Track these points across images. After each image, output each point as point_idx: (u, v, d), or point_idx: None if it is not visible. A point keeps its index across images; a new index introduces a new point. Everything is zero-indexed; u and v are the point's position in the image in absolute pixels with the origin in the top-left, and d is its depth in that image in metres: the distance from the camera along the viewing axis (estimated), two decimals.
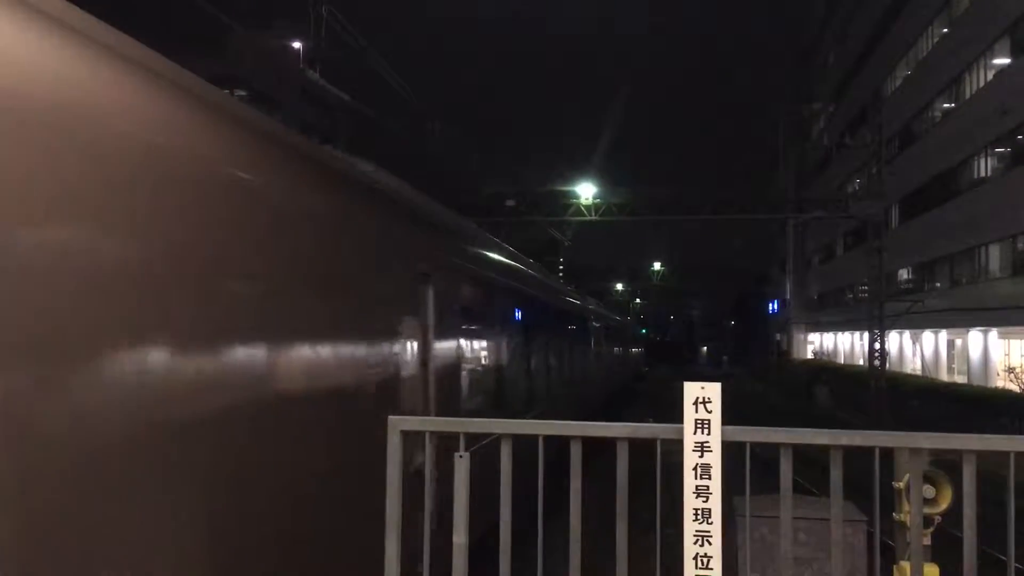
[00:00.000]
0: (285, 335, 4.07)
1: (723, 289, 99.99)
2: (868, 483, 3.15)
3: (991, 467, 3.18)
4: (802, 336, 67.40)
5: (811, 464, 10.77)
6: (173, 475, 3.18)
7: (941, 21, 37.03)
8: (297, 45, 41.35)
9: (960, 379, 34.02)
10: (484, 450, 3.54)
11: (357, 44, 15.98)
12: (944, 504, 5.34)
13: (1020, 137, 29.08)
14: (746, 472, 3.27)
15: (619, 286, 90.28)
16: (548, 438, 3.32)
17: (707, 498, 3.08)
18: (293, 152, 4.69)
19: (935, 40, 37.76)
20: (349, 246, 5.05)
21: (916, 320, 34.99)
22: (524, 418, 9.14)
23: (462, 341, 7.72)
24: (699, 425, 3.10)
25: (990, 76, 31.59)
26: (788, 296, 69.54)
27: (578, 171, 38.66)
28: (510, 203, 32.82)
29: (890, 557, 5.94)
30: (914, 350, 42.00)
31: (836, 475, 3.10)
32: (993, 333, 31.62)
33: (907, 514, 4.85)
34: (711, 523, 3.07)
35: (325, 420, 4.49)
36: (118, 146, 2.97)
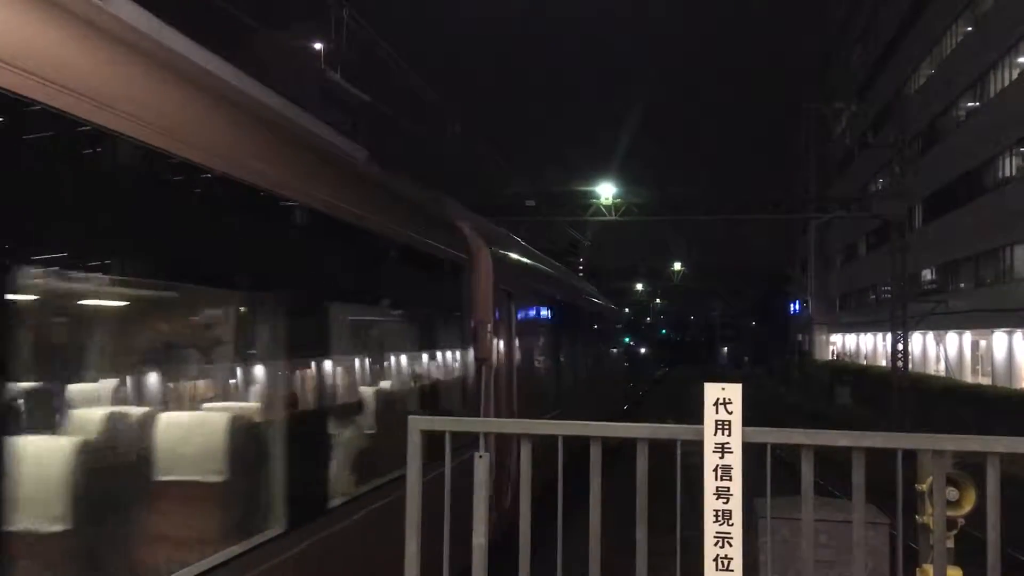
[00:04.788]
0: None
1: (744, 289, 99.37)
2: (891, 485, 3.12)
3: (1016, 469, 3.15)
4: (824, 337, 66.85)
5: (827, 460, 10.68)
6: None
7: (966, 19, 36.65)
8: (318, 46, 41.43)
9: (985, 381, 33.63)
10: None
11: (377, 45, 16.05)
12: (968, 506, 5.29)
13: None
14: (767, 473, 3.24)
15: (639, 286, 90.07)
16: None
17: (727, 499, 3.06)
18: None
19: (959, 38, 37.36)
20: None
21: (940, 321, 34.62)
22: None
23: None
24: (719, 426, 3.08)
25: (1015, 75, 31.24)
26: (809, 296, 68.97)
27: (598, 171, 38.65)
28: (530, 203, 32.85)
29: (913, 560, 5.89)
30: (938, 351, 41.57)
31: (858, 477, 3.08)
32: (1018, 334, 31.24)
33: (930, 516, 4.80)
34: (731, 524, 3.06)
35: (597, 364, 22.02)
36: None
